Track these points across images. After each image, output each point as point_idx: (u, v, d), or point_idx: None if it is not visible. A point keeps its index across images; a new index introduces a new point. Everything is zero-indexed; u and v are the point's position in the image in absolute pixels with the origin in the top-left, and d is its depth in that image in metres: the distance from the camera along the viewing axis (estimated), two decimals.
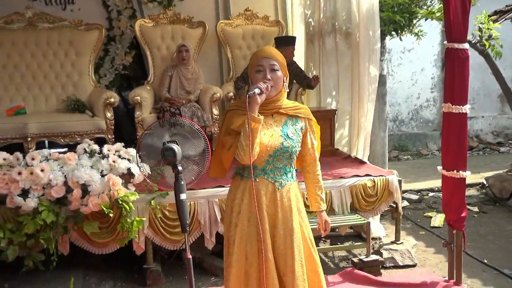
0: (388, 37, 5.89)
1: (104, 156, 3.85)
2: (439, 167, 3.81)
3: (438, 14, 5.55)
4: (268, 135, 2.49)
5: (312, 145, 2.65)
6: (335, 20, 5.86)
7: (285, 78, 2.53)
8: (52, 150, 3.99)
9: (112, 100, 5.14)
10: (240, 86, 5.48)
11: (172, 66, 5.64)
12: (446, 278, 3.93)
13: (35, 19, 5.66)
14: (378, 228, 4.78)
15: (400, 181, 4.52)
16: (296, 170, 2.66)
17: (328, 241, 4.65)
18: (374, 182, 4.38)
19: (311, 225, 2.67)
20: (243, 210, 2.54)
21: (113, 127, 5.19)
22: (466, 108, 3.60)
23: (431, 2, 5.73)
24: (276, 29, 6.22)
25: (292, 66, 5.21)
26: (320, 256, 2.74)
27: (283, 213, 2.54)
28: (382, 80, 5.79)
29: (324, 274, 2.69)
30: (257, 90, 2.38)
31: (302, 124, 2.59)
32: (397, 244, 4.52)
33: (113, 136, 5.17)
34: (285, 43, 5.44)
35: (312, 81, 5.40)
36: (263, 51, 2.56)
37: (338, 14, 5.81)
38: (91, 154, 3.90)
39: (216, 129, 5.41)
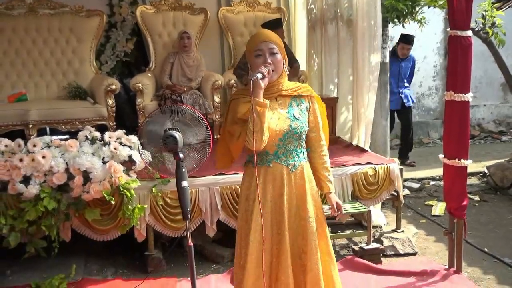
0: (390, 25, 5.85)
1: (106, 143, 3.85)
2: (441, 156, 3.81)
3: (441, 2, 5.51)
4: (275, 119, 2.50)
5: (316, 123, 2.63)
6: (337, 7, 5.82)
7: (284, 60, 2.53)
8: (54, 137, 3.98)
9: (114, 87, 5.13)
10: (241, 74, 5.49)
11: (173, 53, 5.62)
12: (447, 267, 3.95)
13: (36, 5, 5.63)
14: (379, 217, 4.78)
15: (401, 170, 4.52)
16: (307, 150, 2.66)
17: (329, 229, 4.66)
18: (376, 170, 4.38)
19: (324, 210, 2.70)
20: (258, 196, 2.52)
21: (114, 114, 5.18)
22: (469, 96, 3.58)
23: None
24: (278, 16, 6.17)
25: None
26: None
27: (298, 194, 2.57)
28: (384, 68, 5.76)
29: None
30: (259, 75, 2.37)
31: (306, 104, 2.60)
32: (397, 232, 4.53)
33: (115, 123, 5.17)
34: (273, 26, 5.37)
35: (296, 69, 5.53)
36: (260, 35, 2.55)
37: (340, 2, 5.77)
38: (93, 141, 3.90)
39: (217, 117, 5.41)
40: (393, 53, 6.92)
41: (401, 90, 7.15)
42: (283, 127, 2.50)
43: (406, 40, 7.04)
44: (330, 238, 2.78)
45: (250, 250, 2.53)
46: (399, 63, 7.07)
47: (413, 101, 7.43)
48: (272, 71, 2.45)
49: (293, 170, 2.56)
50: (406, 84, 7.29)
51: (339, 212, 2.68)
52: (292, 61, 5.48)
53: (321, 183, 2.68)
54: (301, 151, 2.60)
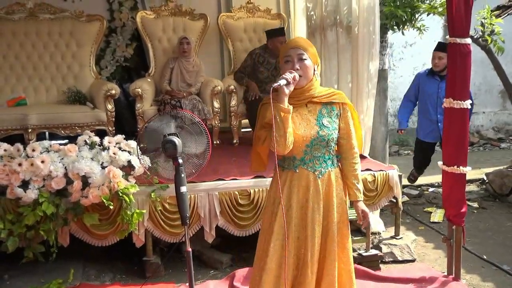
0: (390, 32, 5.87)
1: (105, 148, 3.85)
2: (440, 162, 3.81)
3: (440, 9, 5.54)
4: (303, 125, 2.52)
5: (347, 131, 2.63)
6: (336, 14, 5.83)
7: (315, 66, 2.54)
8: (53, 142, 3.98)
9: (113, 92, 5.13)
10: (241, 77, 5.53)
11: (173, 58, 5.63)
12: (445, 273, 3.94)
13: (36, 9, 5.65)
14: (378, 223, 4.77)
15: (400, 176, 4.52)
16: (337, 156, 2.66)
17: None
18: (375, 177, 4.38)
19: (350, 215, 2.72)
20: (283, 200, 2.55)
21: (113, 119, 5.19)
22: (468, 103, 3.59)
23: None
24: (277, 22, 6.21)
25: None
26: None
27: (324, 200, 2.58)
28: (383, 75, 5.77)
29: None
30: (282, 81, 2.38)
31: (337, 111, 2.60)
32: (396, 239, 4.52)
33: (114, 128, 5.17)
34: (274, 34, 5.57)
35: None
36: (291, 41, 2.61)
37: (340, 8, 5.78)
38: (92, 146, 3.90)
39: (216, 122, 5.41)
40: (430, 71, 5.64)
41: (440, 118, 5.27)
42: (310, 133, 2.51)
43: (438, 47, 5.60)
44: None
45: (271, 252, 2.55)
46: (438, 83, 5.49)
47: None
48: (300, 76, 2.46)
49: (320, 176, 2.57)
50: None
51: (365, 220, 2.69)
52: None
53: (349, 191, 2.69)
54: (329, 158, 2.60)
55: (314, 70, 2.54)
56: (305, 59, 2.49)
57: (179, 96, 5.28)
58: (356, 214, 2.71)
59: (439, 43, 5.68)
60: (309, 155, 2.55)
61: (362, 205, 2.70)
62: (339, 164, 2.68)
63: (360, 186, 2.69)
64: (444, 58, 5.17)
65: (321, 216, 2.58)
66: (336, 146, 2.64)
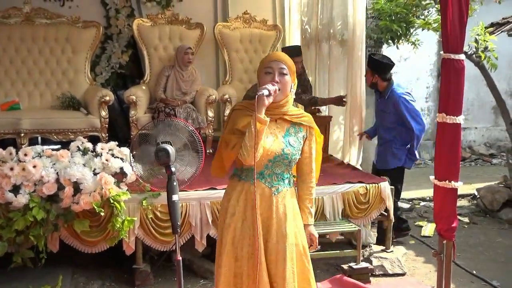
0: (385, 45, 5.91)
1: (97, 155, 3.84)
2: (431, 177, 3.81)
3: (434, 25, 5.59)
4: (270, 140, 2.49)
5: (309, 154, 2.62)
6: (330, 27, 5.89)
7: (292, 84, 2.53)
8: (45, 147, 3.97)
9: (107, 98, 5.13)
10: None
11: (169, 66, 5.63)
12: None
13: (32, 14, 5.65)
14: (369, 236, 4.78)
15: (392, 189, 4.53)
16: (294, 176, 2.65)
17: (319, 247, 4.64)
18: (367, 189, 4.39)
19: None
20: (237, 212, 2.52)
21: (107, 125, 5.18)
22: (460, 119, 3.61)
23: (428, 12, 5.76)
24: (274, 33, 6.24)
25: (301, 77, 5.08)
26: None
27: (277, 218, 2.52)
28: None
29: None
30: (265, 92, 2.37)
31: (304, 133, 2.58)
32: (387, 252, 4.53)
33: (107, 134, 5.16)
34: (291, 54, 5.21)
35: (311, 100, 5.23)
36: (273, 54, 2.60)
37: (334, 22, 5.84)
38: (84, 152, 3.89)
39: (210, 131, 5.42)
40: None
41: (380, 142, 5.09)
42: (275, 149, 2.48)
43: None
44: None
45: (223, 262, 2.53)
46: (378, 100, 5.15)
47: (405, 161, 4.92)
48: (279, 90, 2.45)
49: (276, 193, 2.53)
50: (386, 136, 4.99)
51: (313, 245, 2.66)
52: (307, 91, 5.35)
53: (302, 214, 2.64)
54: (287, 177, 2.57)
55: (291, 87, 2.52)
56: (286, 74, 2.48)
57: (173, 104, 5.28)
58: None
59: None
60: (269, 170, 2.52)
61: (312, 229, 2.67)
62: (297, 185, 2.66)
63: (313, 210, 2.67)
64: (367, 74, 5.06)
65: (275, 234, 2.51)
66: (294, 167, 2.62)
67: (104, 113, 5.14)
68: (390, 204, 4.46)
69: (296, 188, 2.66)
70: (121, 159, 3.86)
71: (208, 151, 5.16)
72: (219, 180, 4.25)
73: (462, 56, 3.45)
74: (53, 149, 3.90)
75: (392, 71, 4.96)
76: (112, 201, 3.67)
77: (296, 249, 2.55)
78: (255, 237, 2.47)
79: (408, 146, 4.87)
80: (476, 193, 6.42)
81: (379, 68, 4.90)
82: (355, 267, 4.15)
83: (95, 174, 3.71)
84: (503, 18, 6.16)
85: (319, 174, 2.73)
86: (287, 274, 2.49)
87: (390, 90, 4.89)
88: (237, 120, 2.49)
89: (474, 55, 5.78)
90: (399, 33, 5.56)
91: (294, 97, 2.59)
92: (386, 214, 4.49)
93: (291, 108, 2.57)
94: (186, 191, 3.85)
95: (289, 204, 2.56)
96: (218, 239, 2.61)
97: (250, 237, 2.50)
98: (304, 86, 5.41)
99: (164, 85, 5.55)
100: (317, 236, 2.69)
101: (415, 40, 5.84)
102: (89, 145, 3.94)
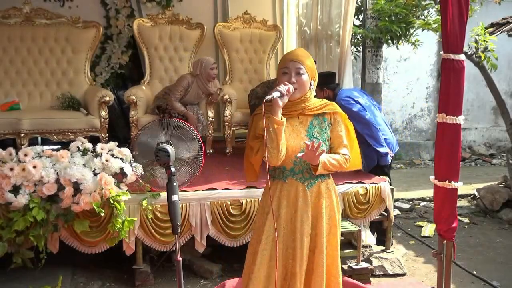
0: (384, 46, 5.91)
1: (97, 155, 3.83)
2: (431, 177, 3.82)
3: (434, 26, 5.59)
4: (293, 136, 2.52)
5: (338, 136, 2.58)
6: (328, 28, 5.90)
7: (312, 81, 2.54)
8: (45, 147, 3.97)
9: (107, 98, 5.12)
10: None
11: (191, 78, 5.29)
12: None
13: (32, 14, 5.65)
14: (369, 236, 4.78)
15: (392, 190, 4.53)
16: None
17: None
18: (366, 189, 4.39)
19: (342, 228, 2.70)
20: (274, 210, 2.55)
21: (107, 125, 5.17)
22: (460, 119, 3.61)
23: (428, 12, 5.76)
24: (274, 34, 6.24)
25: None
26: None
27: (313, 213, 2.58)
28: (377, 88, 5.81)
29: None
30: (276, 94, 2.39)
31: (328, 121, 2.60)
32: (387, 252, 4.53)
33: (107, 135, 5.16)
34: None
35: None
36: (290, 54, 2.60)
37: (332, 23, 5.84)
38: (84, 152, 3.89)
39: (210, 132, 5.41)
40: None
41: None
42: (300, 144, 2.51)
43: None
44: None
45: (258, 261, 2.56)
46: None
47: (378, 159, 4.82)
48: (295, 89, 2.47)
49: (309, 187, 2.58)
50: None
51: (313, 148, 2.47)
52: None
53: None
54: None
55: (311, 84, 2.54)
56: (303, 74, 2.49)
57: (191, 122, 5.02)
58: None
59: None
60: (299, 166, 2.56)
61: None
62: (330, 176, 2.68)
63: (333, 161, 2.53)
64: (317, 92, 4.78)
65: (309, 227, 2.58)
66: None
67: (104, 113, 5.13)
68: (390, 204, 4.46)
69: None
70: (121, 159, 3.86)
71: (208, 152, 5.17)
72: (219, 181, 4.27)
73: (462, 56, 3.45)
74: (53, 150, 3.89)
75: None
76: (112, 202, 3.67)
77: (328, 238, 2.61)
78: (295, 233, 2.54)
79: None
80: (476, 194, 6.42)
81: (324, 81, 4.70)
82: (355, 267, 4.15)
83: (95, 174, 3.71)
84: (503, 19, 6.16)
85: (359, 157, 2.72)
86: (315, 266, 2.58)
87: (335, 97, 4.79)
88: (257, 124, 2.51)
89: (474, 55, 5.77)
90: (398, 34, 5.55)
91: (315, 94, 2.60)
92: (386, 214, 4.49)
93: (312, 102, 2.58)
94: (186, 191, 3.86)
95: (324, 197, 2.60)
96: (254, 237, 2.65)
97: (286, 235, 2.56)
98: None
99: (181, 96, 5.23)
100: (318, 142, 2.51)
101: (415, 41, 5.83)
102: (89, 146, 3.93)
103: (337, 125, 2.61)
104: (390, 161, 4.84)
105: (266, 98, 2.38)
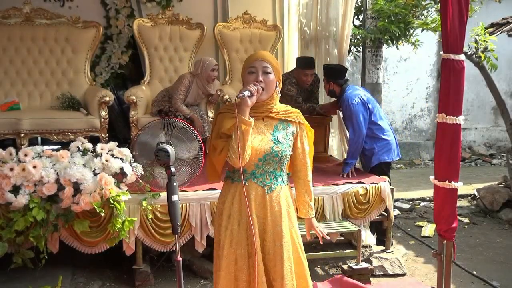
0: (384, 46, 5.92)
1: (97, 155, 3.83)
2: (431, 177, 3.82)
3: (433, 25, 5.59)
4: (258, 139, 2.48)
5: (302, 150, 2.61)
6: (327, 28, 5.90)
7: (277, 82, 2.51)
8: (45, 147, 3.97)
9: (107, 98, 5.13)
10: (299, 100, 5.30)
11: (191, 77, 5.30)
12: None
13: (32, 14, 5.65)
14: (369, 236, 4.78)
15: (392, 190, 4.53)
16: (288, 174, 2.64)
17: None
18: (366, 190, 4.39)
19: (300, 231, 2.65)
20: (233, 213, 2.52)
21: (107, 126, 5.18)
22: (460, 119, 3.61)
23: (427, 12, 5.76)
24: (274, 34, 6.24)
25: (311, 87, 5.43)
26: (309, 263, 2.73)
27: (272, 217, 2.52)
28: (377, 88, 5.81)
29: (313, 280, 2.69)
30: (246, 93, 2.37)
31: (293, 129, 2.57)
32: (387, 252, 4.53)
33: (107, 135, 5.16)
34: (302, 65, 5.30)
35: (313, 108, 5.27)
36: (257, 54, 2.56)
37: (330, 24, 5.85)
38: (84, 152, 3.89)
39: (210, 132, 5.41)
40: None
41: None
42: (264, 148, 2.47)
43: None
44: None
45: (222, 265, 2.52)
46: None
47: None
48: (262, 90, 2.44)
49: (269, 192, 2.52)
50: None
51: (320, 236, 2.68)
52: (309, 100, 5.45)
53: (301, 208, 2.66)
54: (280, 175, 2.56)
55: (276, 86, 2.51)
56: (269, 73, 2.47)
57: (197, 127, 5.05)
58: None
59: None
60: (261, 169, 2.51)
61: (314, 222, 2.69)
62: (293, 182, 2.66)
63: (313, 204, 2.68)
64: (324, 83, 5.06)
65: (271, 233, 2.52)
66: (288, 164, 2.62)
67: (104, 113, 5.14)
68: (390, 203, 4.46)
69: (290, 185, 2.66)
70: (121, 159, 3.86)
71: (207, 153, 5.16)
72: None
73: (462, 57, 3.45)
74: (53, 150, 3.89)
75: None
76: (112, 202, 3.67)
77: (293, 246, 2.56)
78: (252, 237, 2.47)
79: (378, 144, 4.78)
80: (476, 194, 6.42)
81: (331, 74, 4.92)
82: (355, 267, 4.15)
83: (95, 174, 3.71)
84: (503, 18, 6.16)
85: (312, 168, 2.72)
86: (285, 273, 2.50)
87: (343, 93, 4.80)
88: (222, 123, 2.48)
89: (474, 56, 5.77)
90: (397, 34, 5.55)
91: (279, 95, 2.57)
92: (386, 214, 4.49)
93: (277, 106, 2.56)
94: (186, 191, 3.86)
95: (283, 202, 2.55)
96: (216, 242, 2.60)
97: (248, 238, 2.50)
98: (308, 94, 5.43)
99: (184, 96, 5.23)
100: (319, 226, 2.69)
101: (415, 41, 5.83)
102: (89, 146, 3.93)
103: (303, 137, 2.61)
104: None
105: (237, 96, 2.36)
